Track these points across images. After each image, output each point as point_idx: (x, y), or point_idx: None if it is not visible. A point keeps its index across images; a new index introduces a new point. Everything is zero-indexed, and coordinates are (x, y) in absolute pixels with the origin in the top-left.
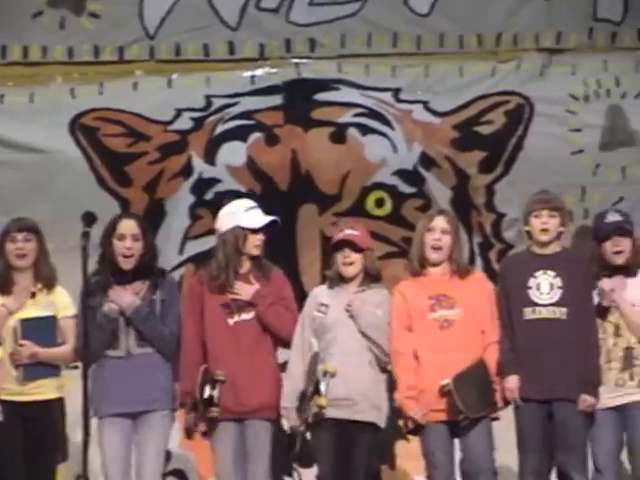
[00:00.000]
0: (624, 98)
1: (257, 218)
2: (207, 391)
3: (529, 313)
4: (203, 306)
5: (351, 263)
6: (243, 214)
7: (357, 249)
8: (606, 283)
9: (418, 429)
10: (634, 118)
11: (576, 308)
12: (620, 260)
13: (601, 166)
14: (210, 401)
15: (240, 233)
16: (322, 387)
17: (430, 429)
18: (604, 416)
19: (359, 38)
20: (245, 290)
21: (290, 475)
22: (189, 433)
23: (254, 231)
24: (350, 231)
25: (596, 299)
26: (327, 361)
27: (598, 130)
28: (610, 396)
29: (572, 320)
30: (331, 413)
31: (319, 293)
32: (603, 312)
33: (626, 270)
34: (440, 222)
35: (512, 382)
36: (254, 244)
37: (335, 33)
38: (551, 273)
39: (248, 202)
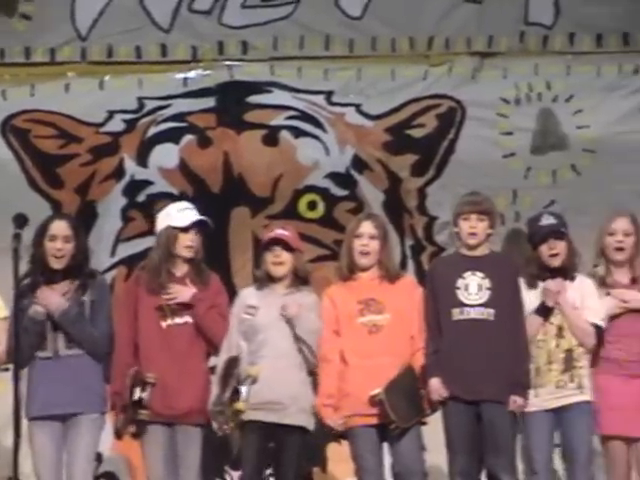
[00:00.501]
0: (555, 102)
1: (187, 217)
2: (137, 393)
3: (457, 314)
4: (137, 308)
5: (281, 263)
6: (175, 214)
7: (288, 248)
8: (551, 284)
9: (345, 433)
10: (565, 122)
11: (504, 310)
12: (556, 262)
13: (532, 169)
14: (139, 403)
15: (171, 233)
16: (242, 392)
17: (359, 433)
18: (542, 418)
19: (291, 41)
20: (183, 292)
21: (222, 477)
22: (118, 434)
23: (184, 230)
24: (281, 231)
25: (536, 301)
26: (257, 364)
27: (529, 133)
28: (550, 397)
29: (500, 321)
30: (259, 416)
31: (247, 295)
32: (546, 313)
33: (564, 272)
34: (367, 227)
35: (434, 384)
36: (184, 245)
37: (268, 36)
38: (480, 274)
39: (184, 204)
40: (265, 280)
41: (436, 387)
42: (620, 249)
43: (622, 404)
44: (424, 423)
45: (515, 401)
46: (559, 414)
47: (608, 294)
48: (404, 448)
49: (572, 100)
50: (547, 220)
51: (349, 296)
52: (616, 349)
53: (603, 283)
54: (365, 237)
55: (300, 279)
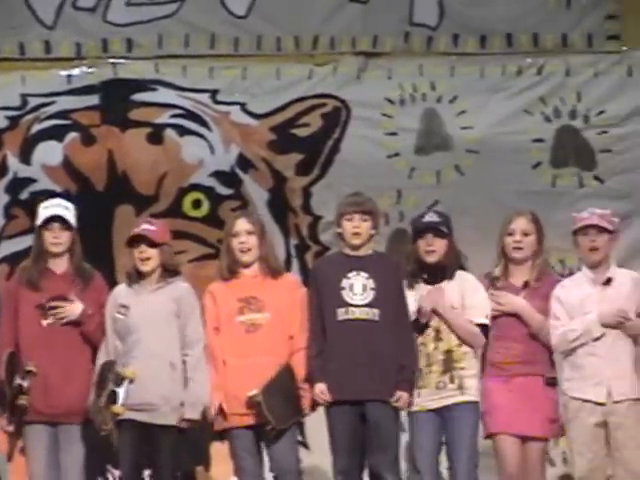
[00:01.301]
0: (439, 102)
1: (46, 213)
2: (17, 380)
3: (342, 314)
4: (17, 306)
5: (147, 258)
6: (40, 212)
7: (153, 244)
8: (425, 300)
9: (224, 432)
10: (449, 122)
11: (389, 310)
12: (432, 259)
13: (416, 169)
14: (19, 389)
15: (37, 230)
16: (120, 394)
17: (237, 433)
18: (424, 419)
19: (176, 39)
20: (72, 310)
21: (104, 476)
22: (9, 455)
23: (44, 227)
24: (146, 226)
25: (414, 303)
26: (130, 364)
27: (414, 134)
28: (431, 399)
29: (385, 321)
30: (133, 416)
31: (118, 293)
32: (421, 329)
33: (442, 271)
34: (243, 225)
35: (319, 389)
36: (49, 241)
37: (152, 34)
38: (364, 274)
39: (51, 201)
40: (135, 276)
41: (321, 392)
42: (518, 248)
43: (507, 404)
44: (301, 423)
45: (401, 397)
46: (442, 414)
47: (492, 295)
48: (279, 448)
49: (456, 101)
50: (430, 217)
51: (230, 294)
52: (494, 352)
53: (494, 284)
54: (242, 235)
55: (170, 272)
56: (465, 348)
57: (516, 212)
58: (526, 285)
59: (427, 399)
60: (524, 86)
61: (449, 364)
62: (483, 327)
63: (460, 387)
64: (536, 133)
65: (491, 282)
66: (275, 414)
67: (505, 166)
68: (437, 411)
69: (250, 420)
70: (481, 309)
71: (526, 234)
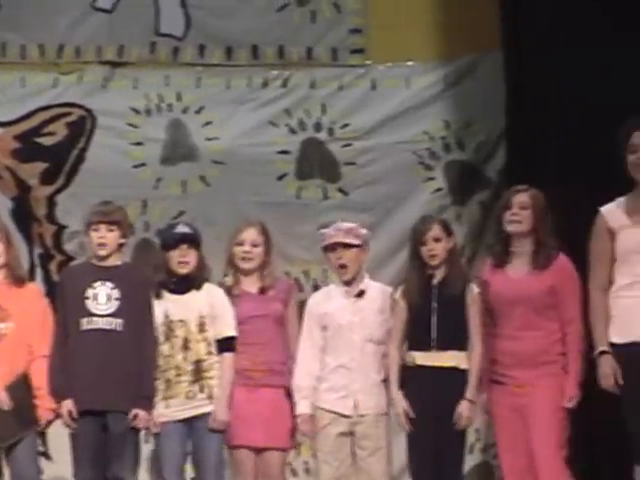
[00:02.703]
0: (185, 113)
1: None
2: None
3: (86, 323)
4: None
5: None
6: None
7: None
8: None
9: None
10: (195, 133)
11: (133, 320)
12: (184, 270)
13: (162, 180)
14: None
15: None
16: None
17: None
18: (173, 428)
19: None
20: None
21: None
22: None
23: None
24: None
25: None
26: None
27: (159, 144)
28: (180, 409)
29: (128, 332)
30: None
31: None
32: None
33: (191, 282)
34: None
35: (66, 406)
36: None
37: None
38: (110, 284)
39: None
40: None
41: (68, 411)
42: (247, 259)
43: (247, 414)
44: (43, 432)
45: (137, 415)
46: (190, 424)
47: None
48: (17, 458)
49: (202, 112)
50: (182, 229)
51: None
52: (241, 358)
53: (230, 292)
54: None
55: None
56: (214, 357)
57: (246, 223)
58: (262, 292)
59: (177, 409)
60: (269, 98)
61: (199, 374)
62: (232, 339)
63: (210, 397)
64: (281, 145)
65: (227, 290)
66: None
67: (250, 177)
68: (185, 421)
69: None
70: (230, 323)
71: (255, 245)
